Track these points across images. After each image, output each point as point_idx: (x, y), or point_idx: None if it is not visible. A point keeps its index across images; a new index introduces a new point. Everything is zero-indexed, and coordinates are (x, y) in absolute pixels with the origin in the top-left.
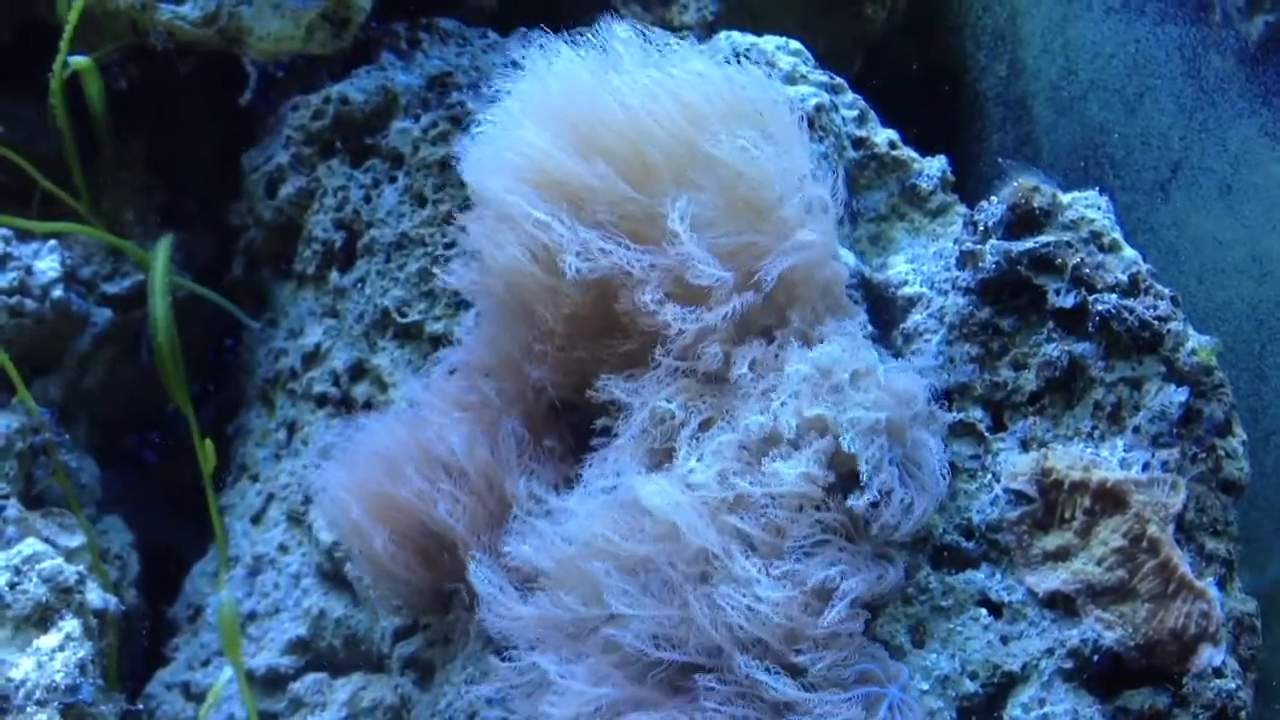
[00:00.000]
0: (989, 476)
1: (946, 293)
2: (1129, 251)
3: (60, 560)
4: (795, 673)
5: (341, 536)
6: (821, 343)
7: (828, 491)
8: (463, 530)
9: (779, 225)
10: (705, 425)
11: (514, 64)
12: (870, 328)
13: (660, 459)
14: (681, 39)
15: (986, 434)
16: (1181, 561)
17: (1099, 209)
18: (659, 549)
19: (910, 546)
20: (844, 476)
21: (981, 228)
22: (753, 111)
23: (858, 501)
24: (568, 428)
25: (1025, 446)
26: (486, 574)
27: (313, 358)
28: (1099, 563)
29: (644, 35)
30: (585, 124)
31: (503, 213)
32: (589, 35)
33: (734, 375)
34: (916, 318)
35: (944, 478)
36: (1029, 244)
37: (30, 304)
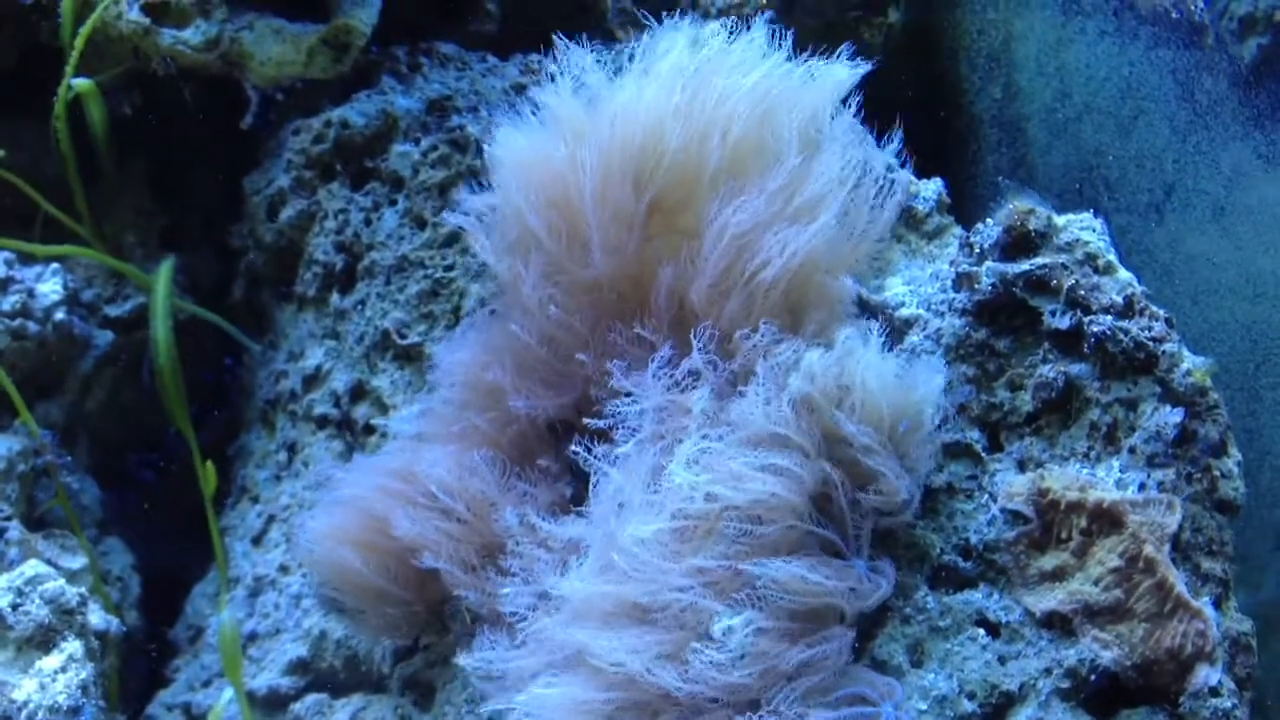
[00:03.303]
0: (986, 497)
1: (943, 314)
2: (1124, 273)
3: (62, 582)
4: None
5: (326, 574)
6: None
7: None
8: (454, 564)
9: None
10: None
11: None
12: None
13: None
14: None
15: (983, 454)
16: (1178, 581)
17: (1094, 231)
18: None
19: (907, 566)
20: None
21: (977, 250)
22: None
23: (867, 500)
24: (564, 446)
25: (1022, 467)
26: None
27: (313, 379)
28: (1096, 583)
29: None
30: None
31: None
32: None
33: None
34: (913, 339)
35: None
36: (1025, 266)
37: (33, 327)
